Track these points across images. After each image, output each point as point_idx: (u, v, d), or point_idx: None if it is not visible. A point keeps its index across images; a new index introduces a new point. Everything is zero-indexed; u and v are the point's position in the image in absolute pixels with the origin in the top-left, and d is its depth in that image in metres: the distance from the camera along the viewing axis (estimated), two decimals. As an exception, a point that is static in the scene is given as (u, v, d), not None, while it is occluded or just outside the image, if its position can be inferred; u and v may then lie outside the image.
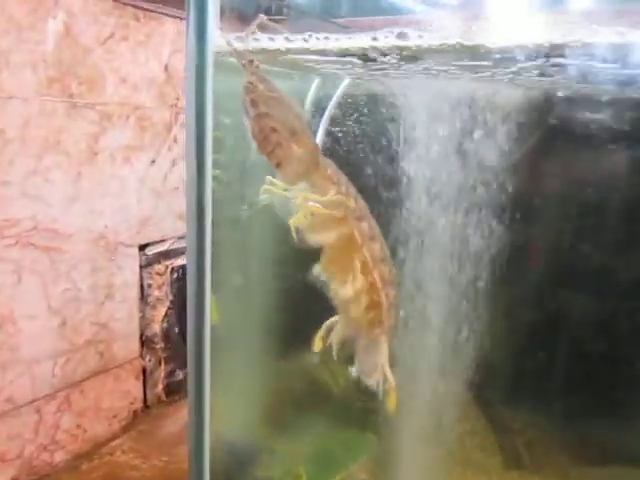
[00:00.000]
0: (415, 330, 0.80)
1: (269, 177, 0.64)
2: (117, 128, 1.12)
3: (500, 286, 0.91)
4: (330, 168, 0.61)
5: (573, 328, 0.89)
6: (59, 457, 1.10)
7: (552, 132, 0.76)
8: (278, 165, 0.56)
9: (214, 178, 0.68)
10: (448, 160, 0.74)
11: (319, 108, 0.77)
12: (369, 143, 0.77)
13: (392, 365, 0.67)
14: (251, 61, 0.54)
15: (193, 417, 0.71)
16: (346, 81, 0.76)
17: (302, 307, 0.86)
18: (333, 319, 0.66)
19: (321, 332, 0.66)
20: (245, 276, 0.89)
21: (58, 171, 1.02)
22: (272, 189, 0.65)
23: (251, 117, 0.54)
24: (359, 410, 0.96)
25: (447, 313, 0.81)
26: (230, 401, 0.89)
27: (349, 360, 0.68)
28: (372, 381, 0.65)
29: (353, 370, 0.68)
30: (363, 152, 0.78)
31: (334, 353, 0.66)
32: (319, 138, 0.78)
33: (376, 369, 0.65)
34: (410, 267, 0.78)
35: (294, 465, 0.92)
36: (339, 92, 0.76)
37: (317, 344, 0.65)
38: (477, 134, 0.71)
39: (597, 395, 0.86)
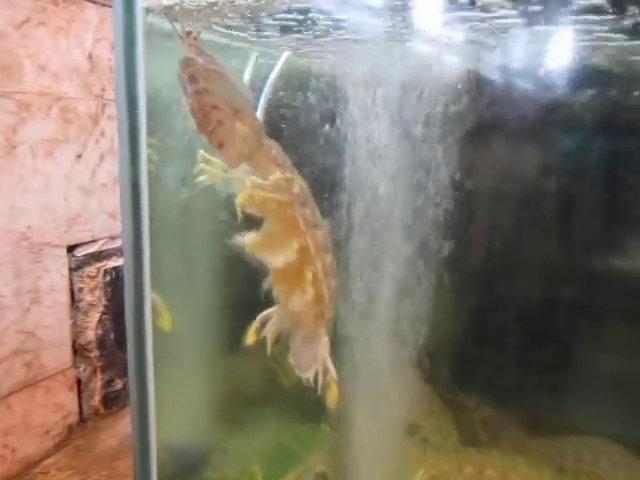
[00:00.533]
0: (364, 314, 0.79)
1: (202, 152, 0.60)
2: (38, 119, 1.04)
3: (449, 267, 0.91)
4: (275, 149, 0.58)
5: (521, 305, 0.90)
6: (-15, 481, 1.00)
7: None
8: (220, 145, 0.52)
9: (149, 159, 0.64)
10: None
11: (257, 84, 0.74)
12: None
13: (332, 356, 0.66)
14: (188, 33, 0.50)
15: (137, 424, 0.66)
16: (285, 54, 0.73)
17: (248, 300, 0.82)
18: (268, 311, 0.64)
19: (255, 325, 0.64)
20: (187, 270, 0.84)
21: (-28, 165, 0.94)
22: (209, 169, 0.61)
23: (190, 93, 0.50)
24: (311, 403, 0.93)
25: (397, 294, 0.80)
26: (177, 404, 0.84)
27: (284, 354, 0.67)
28: (309, 374, 0.64)
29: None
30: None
31: (268, 347, 0.64)
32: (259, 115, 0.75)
33: (314, 362, 0.63)
34: (357, 249, 0.76)
35: (248, 463, 0.88)
36: (278, 66, 0.73)
37: (250, 337, 0.63)
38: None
39: (548, 369, 0.87)
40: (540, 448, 0.90)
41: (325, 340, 0.65)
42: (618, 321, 0.83)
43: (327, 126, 0.71)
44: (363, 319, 0.79)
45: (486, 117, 0.78)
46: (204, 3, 0.57)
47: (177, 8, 0.59)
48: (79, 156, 1.13)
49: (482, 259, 0.95)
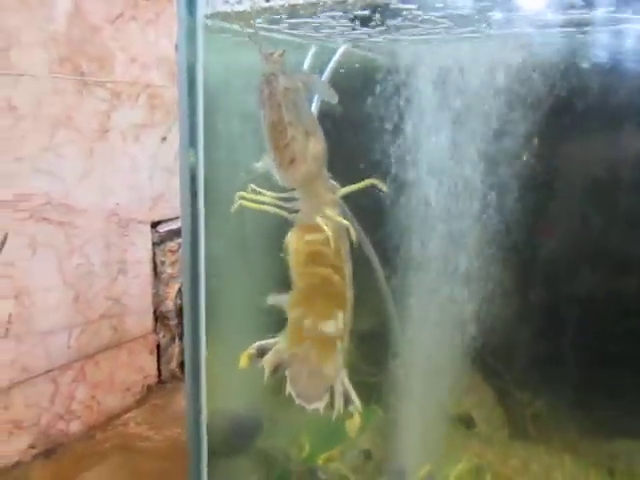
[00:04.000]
0: (421, 301, 0.80)
1: (252, 186, 0.62)
2: (127, 106, 1.14)
3: (506, 262, 0.91)
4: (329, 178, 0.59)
5: (581, 305, 0.88)
6: (74, 427, 1.14)
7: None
8: (292, 161, 0.54)
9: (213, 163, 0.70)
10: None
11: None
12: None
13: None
14: (272, 53, 0.52)
15: (190, 388, 0.73)
16: (342, 48, 0.75)
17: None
18: (266, 341, 0.64)
19: (250, 350, 0.63)
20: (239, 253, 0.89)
21: (70, 147, 1.05)
22: (246, 201, 0.61)
23: (268, 108, 0.52)
24: (365, 383, 0.97)
25: (455, 283, 0.81)
26: (232, 372, 0.90)
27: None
28: (319, 405, 0.63)
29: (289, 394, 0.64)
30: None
31: (265, 377, 0.63)
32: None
33: (326, 392, 0.62)
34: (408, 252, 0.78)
35: (297, 435, 0.93)
36: (335, 60, 0.75)
37: (243, 362, 0.63)
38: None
39: (606, 370, 0.85)
40: (590, 448, 0.89)
41: (343, 370, 0.63)
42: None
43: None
44: (419, 307, 0.81)
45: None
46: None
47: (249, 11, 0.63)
48: (164, 139, 1.22)
49: (544, 253, 0.94)
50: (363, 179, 0.58)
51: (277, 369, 0.63)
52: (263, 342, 0.64)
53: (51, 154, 1.02)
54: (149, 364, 1.28)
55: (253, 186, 0.61)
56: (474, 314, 0.80)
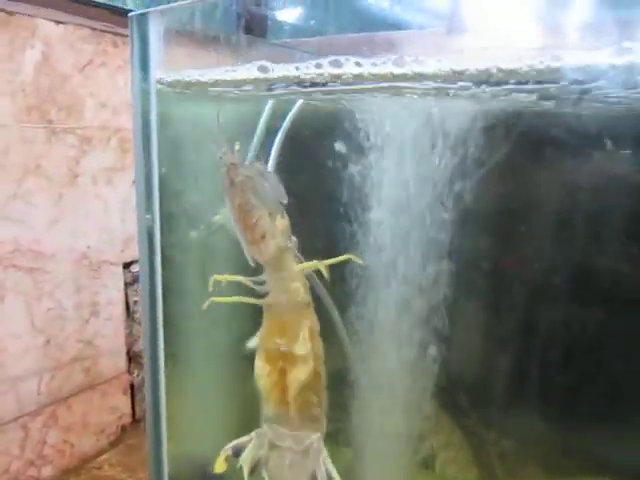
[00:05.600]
0: (378, 345, 0.82)
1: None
2: (98, 151, 1.15)
3: (467, 294, 0.92)
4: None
5: (547, 336, 0.90)
6: (46, 472, 1.13)
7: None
8: (262, 237, 0.58)
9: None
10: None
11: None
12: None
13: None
14: (230, 149, 0.57)
15: (152, 430, 0.73)
16: (299, 103, 0.78)
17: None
18: (241, 440, 0.65)
19: (225, 452, 0.64)
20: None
21: (39, 194, 1.06)
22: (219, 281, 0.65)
23: (233, 194, 0.57)
24: (332, 426, 0.98)
25: (413, 323, 0.82)
26: (196, 417, 0.91)
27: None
28: None
29: None
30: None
31: (245, 477, 0.63)
32: (271, 163, 0.80)
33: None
34: (370, 286, 0.79)
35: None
36: (291, 115, 0.78)
37: (219, 466, 0.63)
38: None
39: (572, 405, 0.87)
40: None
41: (325, 452, 0.65)
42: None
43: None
44: (381, 349, 0.83)
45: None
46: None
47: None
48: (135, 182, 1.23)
49: (506, 287, 0.95)
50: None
51: (255, 467, 0.64)
52: (236, 441, 0.64)
53: (20, 202, 1.03)
54: (123, 404, 1.28)
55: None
56: (439, 355, 0.82)
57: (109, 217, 1.19)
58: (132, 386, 1.30)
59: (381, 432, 0.86)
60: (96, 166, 1.15)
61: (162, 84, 0.62)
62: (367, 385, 0.85)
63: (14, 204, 1.02)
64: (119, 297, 1.24)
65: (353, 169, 0.73)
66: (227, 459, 0.63)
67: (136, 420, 1.32)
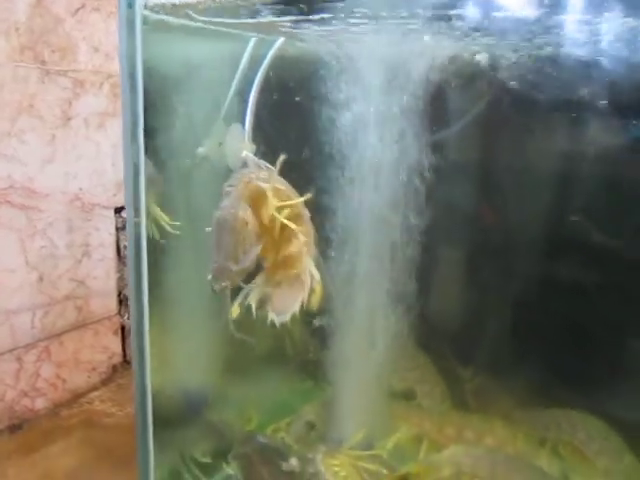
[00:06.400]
0: (358, 283, 0.85)
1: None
2: (90, 95, 1.18)
3: (444, 235, 0.96)
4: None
5: (516, 279, 0.94)
6: (40, 404, 1.18)
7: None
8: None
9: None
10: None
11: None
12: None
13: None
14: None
15: (136, 362, 0.77)
16: (279, 41, 0.80)
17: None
18: (247, 287, 0.71)
19: (239, 300, 0.70)
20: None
21: (32, 134, 1.09)
22: None
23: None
24: (312, 360, 1.02)
25: (395, 267, 0.85)
26: (187, 348, 0.95)
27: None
28: (286, 317, 0.71)
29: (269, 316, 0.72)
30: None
31: (254, 311, 0.70)
32: (252, 100, 0.83)
33: (294, 303, 0.70)
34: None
35: (246, 409, 0.98)
36: (272, 52, 0.80)
37: (235, 311, 0.70)
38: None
39: (541, 345, 0.91)
40: (525, 418, 0.94)
41: (308, 258, 0.72)
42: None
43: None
44: (363, 284, 0.86)
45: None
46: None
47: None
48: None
49: (483, 233, 0.98)
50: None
51: (262, 303, 0.71)
52: (244, 290, 0.70)
53: (14, 140, 1.06)
54: (114, 344, 1.33)
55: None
56: (418, 293, 0.85)
57: (101, 161, 1.22)
58: (123, 328, 1.34)
59: (359, 367, 0.91)
60: (89, 110, 1.18)
61: (147, 9, 0.65)
62: (347, 322, 0.89)
63: (8, 141, 1.05)
64: (110, 240, 1.28)
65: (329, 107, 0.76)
66: (240, 305, 0.70)
67: (127, 361, 1.37)
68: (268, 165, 0.76)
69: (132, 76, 0.68)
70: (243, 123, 0.81)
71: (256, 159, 0.76)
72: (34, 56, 1.07)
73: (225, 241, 0.65)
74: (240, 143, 0.80)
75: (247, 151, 0.78)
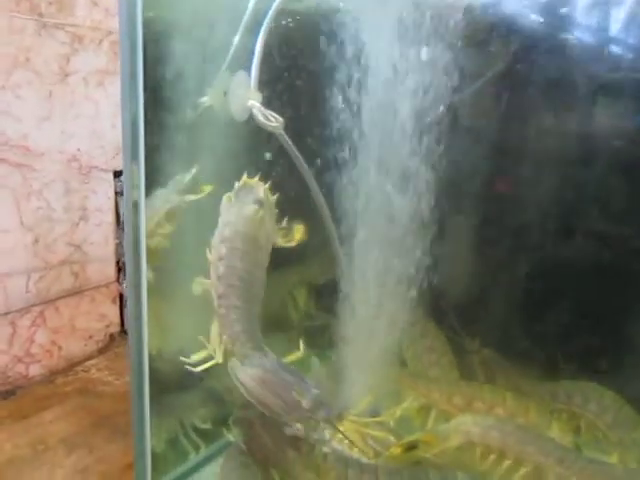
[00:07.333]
0: (369, 251, 0.82)
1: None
2: (89, 51, 1.13)
3: (455, 212, 0.93)
4: None
5: (526, 255, 0.91)
6: (34, 370, 1.15)
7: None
8: None
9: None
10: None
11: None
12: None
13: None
14: None
15: (132, 329, 0.74)
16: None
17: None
18: None
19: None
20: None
21: (28, 89, 1.04)
22: None
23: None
24: (318, 329, 0.99)
25: (407, 235, 0.82)
26: (184, 314, 0.92)
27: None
28: None
29: None
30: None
31: None
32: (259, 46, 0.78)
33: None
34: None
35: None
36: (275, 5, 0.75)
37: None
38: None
39: (550, 317, 0.88)
40: (534, 389, 0.91)
41: None
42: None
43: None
44: (371, 255, 0.83)
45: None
46: None
47: None
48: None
49: (494, 205, 0.95)
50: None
51: None
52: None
53: (9, 93, 1.02)
54: (112, 313, 1.29)
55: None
56: (428, 264, 0.82)
57: (100, 121, 1.18)
58: (122, 296, 1.31)
59: (367, 335, 0.87)
60: (87, 67, 1.14)
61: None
62: (355, 291, 0.86)
63: (2, 96, 1.01)
64: (109, 205, 1.24)
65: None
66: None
67: (125, 331, 1.33)
68: (275, 115, 0.73)
69: (131, 34, 0.64)
70: (249, 71, 0.77)
71: (263, 109, 0.73)
72: (30, 8, 1.02)
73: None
74: (246, 91, 0.75)
75: (253, 100, 0.74)
